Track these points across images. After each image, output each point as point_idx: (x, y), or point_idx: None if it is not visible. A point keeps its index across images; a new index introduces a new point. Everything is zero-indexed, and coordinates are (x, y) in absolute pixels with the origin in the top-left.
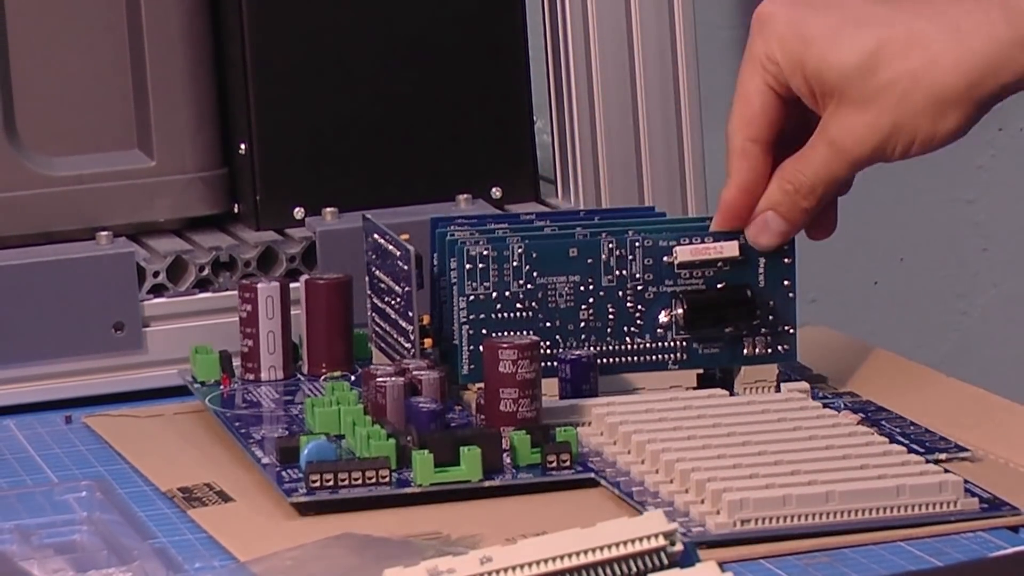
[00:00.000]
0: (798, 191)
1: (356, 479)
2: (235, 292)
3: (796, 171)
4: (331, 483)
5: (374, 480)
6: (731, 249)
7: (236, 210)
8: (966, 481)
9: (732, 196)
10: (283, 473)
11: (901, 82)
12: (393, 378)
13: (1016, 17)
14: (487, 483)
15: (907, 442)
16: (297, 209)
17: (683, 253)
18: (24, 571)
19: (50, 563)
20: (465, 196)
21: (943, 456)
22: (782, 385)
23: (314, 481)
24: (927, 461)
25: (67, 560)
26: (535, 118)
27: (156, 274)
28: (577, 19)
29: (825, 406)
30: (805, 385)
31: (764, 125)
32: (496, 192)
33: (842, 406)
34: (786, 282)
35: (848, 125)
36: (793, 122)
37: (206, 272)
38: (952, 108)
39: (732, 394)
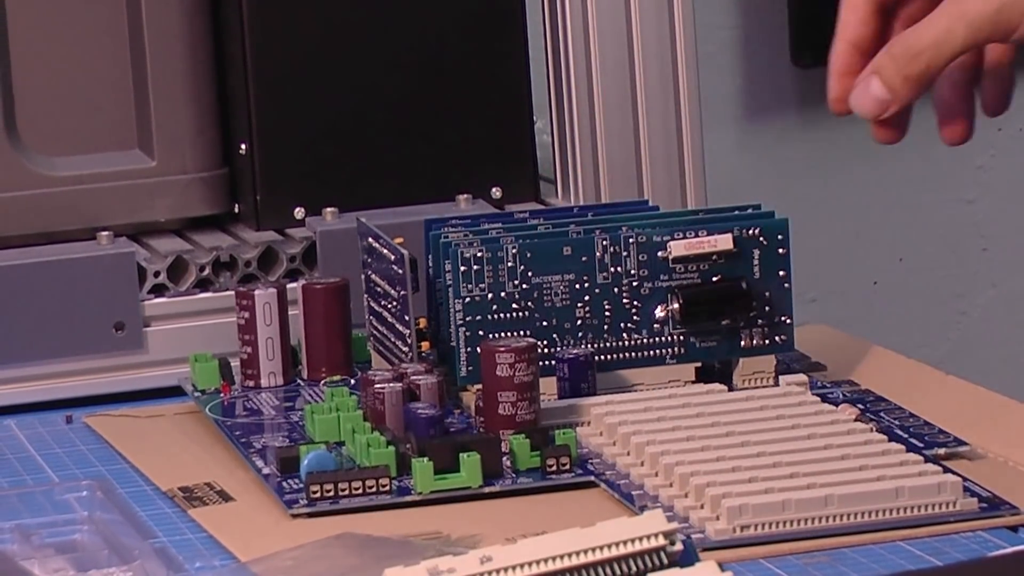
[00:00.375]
0: (905, 53)
1: (356, 488)
2: (235, 291)
3: (907, 35)
4: (331, 493)
5: (374, 489)
6: (725, 242)
7: (236, 210)
8: (965, 480)
9: (841, 50)
10: (284, 484)
11: None
12: (391, 384)
13: None
14: (487, 489)
15: (906, 436)
16: (297, 209)
17: (677, 248)
18: (25, 570)
19: (51, 563)
20: (465, 196)
21: (942, 451)
22: (780, 378)
23: (314, 492)
24: (926, 456)
25: (68, 560)
26: (535, 118)
27: (157, 274)
28: (577, 20)
29: (824, 398)
30: (803, 378)
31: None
32: (496, 192)
33: (840, 397)
34: (781, 272)
35: None
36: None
37: (207, 272)
38: None
39: (731, 387)
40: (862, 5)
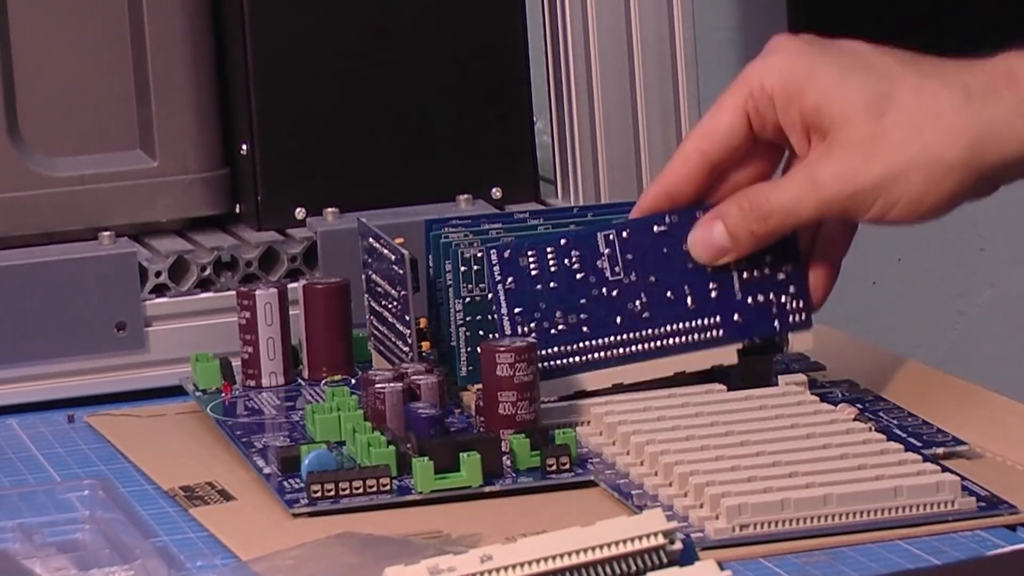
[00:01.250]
0: (754, 210)
1: (357, 488)
2: (237, 291)
3: (760, 194)
4: (332, 493)
5: (375, 488)
6: None
7: (238, 210)
8: (963, 479)
9: (653, 194)
10: (285, 483)
11: (903, 131)
12: (392, 384)
13: (1021, 87)
14: (487, 488)
15: (904, 435)
16: (298, 209)
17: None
18: (27, 569)
19: (52, 561)
20: (465, 196)
21: (941, 450)
22: (779, 378)
23: (315, 492)
24: (924, 456)
25: (69, 558)
26: (535, 119)
27: (158, 274)
28: (577, 21)
29: (823, 398)
30: (802, 377)
31: (721, 144)
32: (496, 192)
33: (839, 397)
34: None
35: (834, 163)
36: (744, 163)
37: (208, 272)
38: (950, 173)
39: (730, 388)
40: (696, 160)
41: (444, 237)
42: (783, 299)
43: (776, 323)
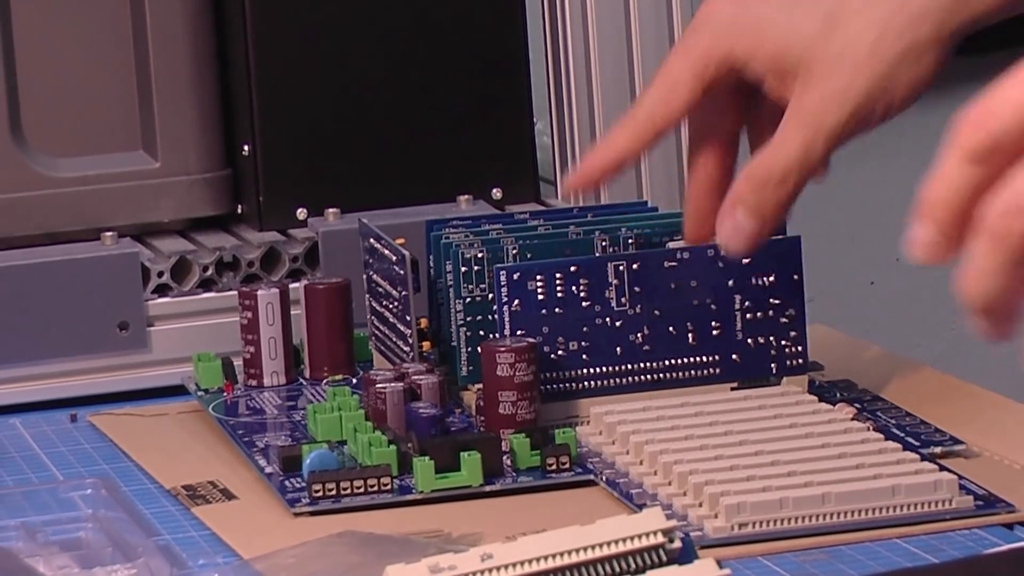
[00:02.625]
0: (766, 181)
1: (358, 487)
2: (238, 291)
3: (765, 162)
4: (333, 492)
5: (376, 488)
6: None
7: (239, 211)
8: (961, 478)
9: (600, 159)
10: (286, 483)
11: (868, 33)
12: (392, 384)
13: None
14: (488, 487)
15: (902, 434)
16: (300, 210)
17: (675, 247)
18: (30, 568)
19: (55, 560)
20: (466, 197)
21: (938, 449)
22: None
23: (316, 491)
24: (922, 455)
25: (72, 557)
26: (535, 120)
27: (160, 274)
28: (576, 22)
29: (821, 397)
30: (801, 377)
31: (675, 121)
32: (497, 193)
33: (837, 396)
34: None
35: (819, 97)
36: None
37: (210, 272)
38: (926, 51)
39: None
40: (648, 131)
41: (445, 238)
42: (783, 342)
43: (773, 366)
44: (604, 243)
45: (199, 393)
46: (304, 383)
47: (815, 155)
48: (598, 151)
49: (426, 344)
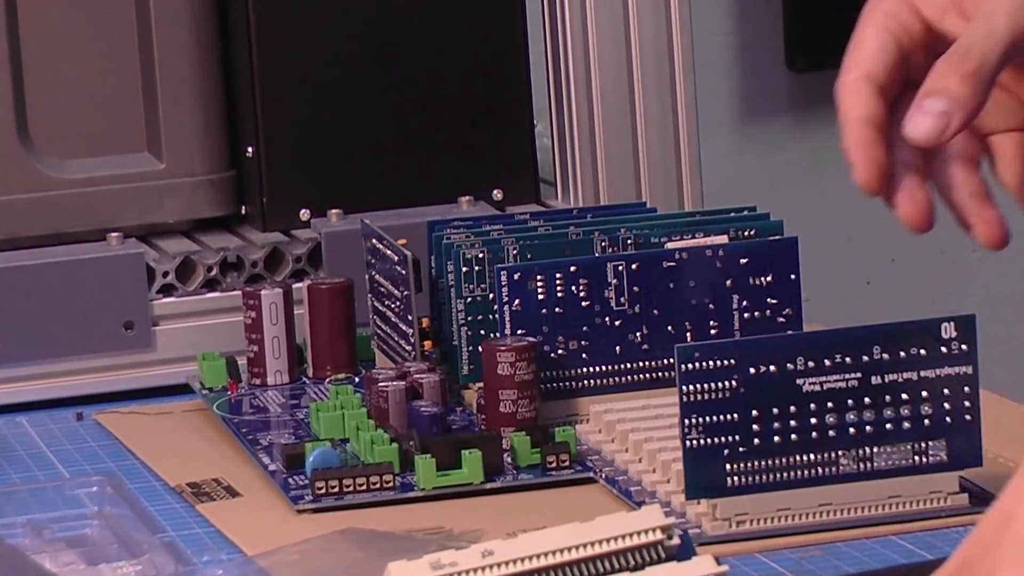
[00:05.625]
0: (949, 60)
1: (360, 485)
2: (242, 291)
3: (951, 50)
4: (336, 489)
5: (378, 485)
6: (721, 241)
7: (243, 212)
8: (959, 475)
9: (856, 131)
10: (290, 480)
11: None
12: (394, 383)
13: None
14: (488, 485)
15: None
16: (303, 211)
17: (675, 247)
18: (36, 564)
19: (62, 556)
20: (467, 198)
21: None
22: None
23: (319, 488)
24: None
25: (78, 554)
26: (535, 122)
27: (165, 274)
28: (576, 25)
29: None
30: None
31: (879, 64)
32: (497, 194)
33: None
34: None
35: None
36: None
37: (214, 272)
38: None
39: None
40: (865, 88)
41: (446, 238)
42: None
43: None
44: (604, 243)
45: (203, 392)
46: (307, 382)
47: (997, 29)
48: (849, 136)
49: (427, 343)
